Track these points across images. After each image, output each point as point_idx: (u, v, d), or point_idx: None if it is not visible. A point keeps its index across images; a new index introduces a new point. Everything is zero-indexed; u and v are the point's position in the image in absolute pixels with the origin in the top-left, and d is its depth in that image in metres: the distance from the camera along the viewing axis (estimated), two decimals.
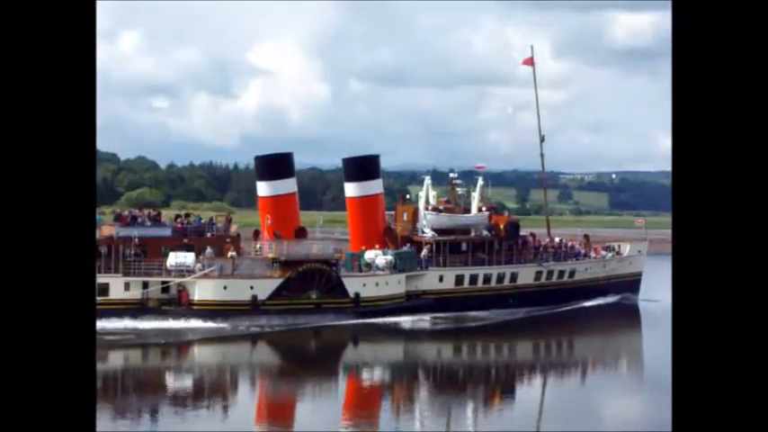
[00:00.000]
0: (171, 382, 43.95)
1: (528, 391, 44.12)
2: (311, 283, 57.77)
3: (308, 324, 56.45)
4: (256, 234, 62.36)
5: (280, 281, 57.04)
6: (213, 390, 41.97)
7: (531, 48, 72.28)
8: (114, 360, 48.93)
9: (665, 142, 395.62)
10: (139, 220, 57.65)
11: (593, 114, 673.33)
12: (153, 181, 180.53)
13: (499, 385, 44.71)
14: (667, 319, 59.69)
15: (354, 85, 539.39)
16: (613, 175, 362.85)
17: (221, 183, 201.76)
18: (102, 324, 53.08)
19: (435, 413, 37.53)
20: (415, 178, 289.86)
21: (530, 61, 71.56)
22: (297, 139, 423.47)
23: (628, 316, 67.54)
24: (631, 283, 72.10)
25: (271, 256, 58.04)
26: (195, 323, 54.75)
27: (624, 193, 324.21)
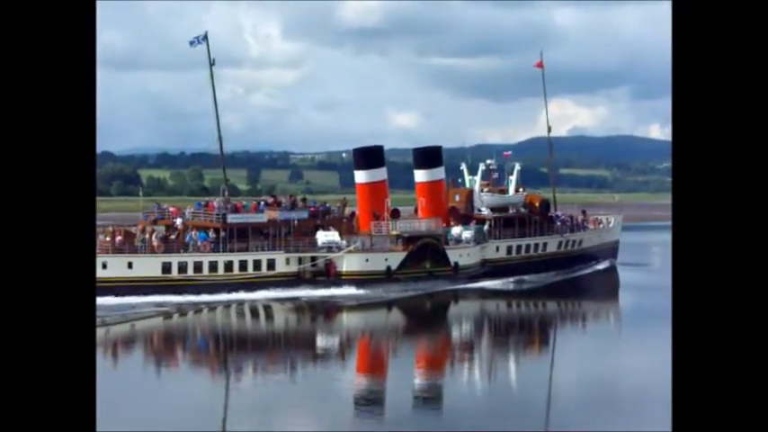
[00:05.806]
0: (317, 340, 52.93)
1: (551, 338, 55.83)
2: (425, 254, 68.64)
3: (425, 290, 67.28)
4: (352, 215, 71.98)
5: (404, 253, 67.46)
6: (347, 347, 51.00)
7: (541, 53, 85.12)
8: (278, 322, 58.27)
9: (396, 119, 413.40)
10: (283, 205, 65.91)
11: (325, 93, 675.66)
12: None
13: (537, 335, 56.38)
14: (637, 281, 75.30)
15: None
16: (344, 154, 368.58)
17: None
18: (268, 294, 62.31)
19: (488, 359, 47.12)
20: (145, 162, 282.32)
21: (540, 64, 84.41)
22: None
23: (613, 278, 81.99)
24: (613, 250, 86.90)
25: (395, 233, 68.27)
26: (343, 290, 64.29)
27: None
